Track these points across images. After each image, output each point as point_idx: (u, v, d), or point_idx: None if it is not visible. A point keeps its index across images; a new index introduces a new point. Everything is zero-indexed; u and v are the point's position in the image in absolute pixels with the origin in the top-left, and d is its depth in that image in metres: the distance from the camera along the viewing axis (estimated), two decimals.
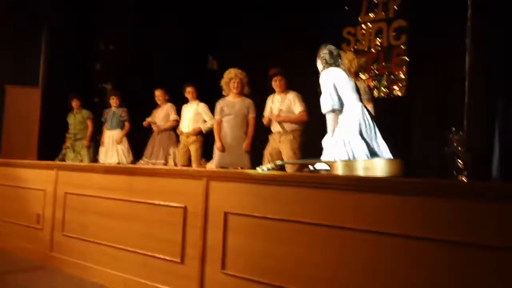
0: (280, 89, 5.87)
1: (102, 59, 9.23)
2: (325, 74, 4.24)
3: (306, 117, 5.72)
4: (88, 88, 8.68)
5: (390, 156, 3.98)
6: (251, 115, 6.10)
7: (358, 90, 4.27)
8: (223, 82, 6.20)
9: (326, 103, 4.16)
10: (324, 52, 4.36)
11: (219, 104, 6.24)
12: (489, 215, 2.25)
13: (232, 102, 6.16)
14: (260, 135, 6.18)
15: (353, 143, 3.99)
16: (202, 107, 6.87)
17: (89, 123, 8.11)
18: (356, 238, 2.68)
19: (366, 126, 4.05)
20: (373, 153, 3.96)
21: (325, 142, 4.24)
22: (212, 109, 6.60)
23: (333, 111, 4.16)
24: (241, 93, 6.17)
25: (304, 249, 2.92)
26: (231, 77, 6.13)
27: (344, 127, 4.09)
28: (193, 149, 6.75)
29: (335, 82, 4.15)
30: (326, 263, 2.81)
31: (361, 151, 3.93)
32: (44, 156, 7.03)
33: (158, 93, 7.49)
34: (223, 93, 6.26)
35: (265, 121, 5.97)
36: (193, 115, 6.86)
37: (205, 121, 6.83)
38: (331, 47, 4.39)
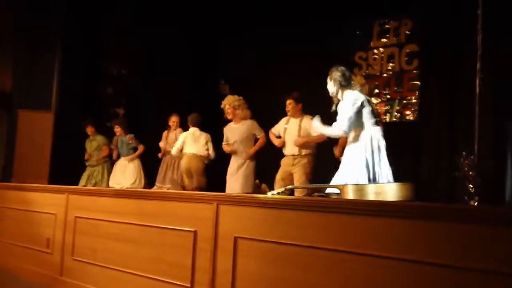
0: (293, 112, 5.77)
1: (114, 83, 9.26)
2: (350, 97, 4.19)
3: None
4: (101, 113, 8.68)
5: (391, 180, 3.94)
6: (260, 135, 6.10)
7: (374, 114, 4.25)
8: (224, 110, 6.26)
9: (342, 125, 4.12)
10: (337, 74, 4.28)
11: (225, 130, 6.30)
12: (500, 240, 2.21)
13: (233, 128, 6.22)
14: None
15: (377, 166, 3.99)
16: (203, 138, 6.83)
17: (105, 149, 8.07)
18: (367, 263, 2.64)
19: (373, 151, 4.04)
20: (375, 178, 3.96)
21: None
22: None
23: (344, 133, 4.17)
24: (239, 118, 6.18)
25: (315, 274, 2.88)
26: (224, 105, 6.19)
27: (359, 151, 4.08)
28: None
29: (359, 106, 4.13)
30: None
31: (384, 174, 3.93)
32: (56, 180, 7.02)
33: (174, 119, 7.49)
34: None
35: (276, 142, 5.81)
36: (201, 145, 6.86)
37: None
38: (343, 68, 4.32)
